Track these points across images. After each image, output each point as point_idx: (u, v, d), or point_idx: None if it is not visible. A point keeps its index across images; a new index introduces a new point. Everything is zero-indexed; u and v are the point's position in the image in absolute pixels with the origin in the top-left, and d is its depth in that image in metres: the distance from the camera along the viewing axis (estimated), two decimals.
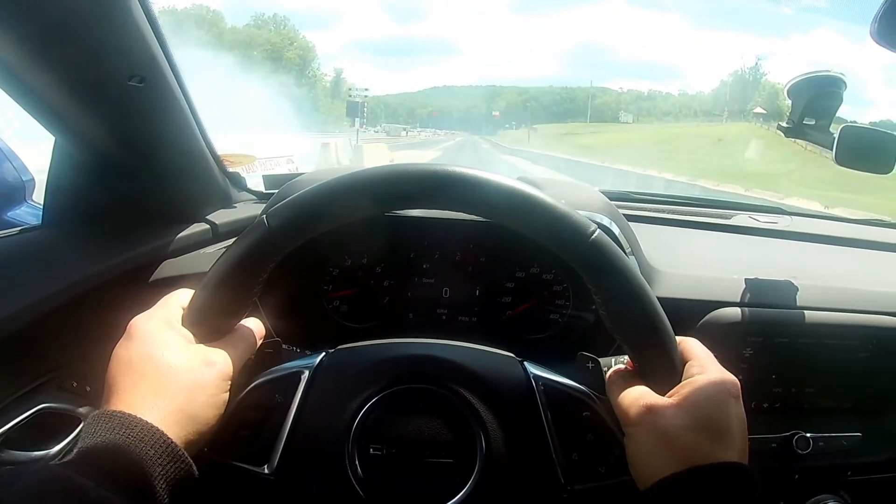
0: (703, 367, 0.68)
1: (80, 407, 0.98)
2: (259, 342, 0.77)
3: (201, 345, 0.70)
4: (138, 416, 0.60)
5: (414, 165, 0.69)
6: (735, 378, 0.68)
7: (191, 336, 0.70)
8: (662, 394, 0.67)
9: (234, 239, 1.03)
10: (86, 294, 0.95)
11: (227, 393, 0.69)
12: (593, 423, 0.75)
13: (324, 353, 0.79)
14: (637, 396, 0.67)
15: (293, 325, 0.98)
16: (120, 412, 0.60)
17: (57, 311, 0.91)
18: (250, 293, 0.71)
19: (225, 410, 0.69)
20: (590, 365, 0.77)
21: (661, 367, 0.68)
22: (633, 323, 0.68)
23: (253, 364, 0.76)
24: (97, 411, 0.62)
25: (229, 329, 0.73)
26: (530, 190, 0.67)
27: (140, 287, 1.03)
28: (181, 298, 0.73)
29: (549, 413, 0.75)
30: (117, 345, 0.68)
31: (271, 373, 0.77)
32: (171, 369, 0.65)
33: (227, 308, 0.71)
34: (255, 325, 0.77)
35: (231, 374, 0.69)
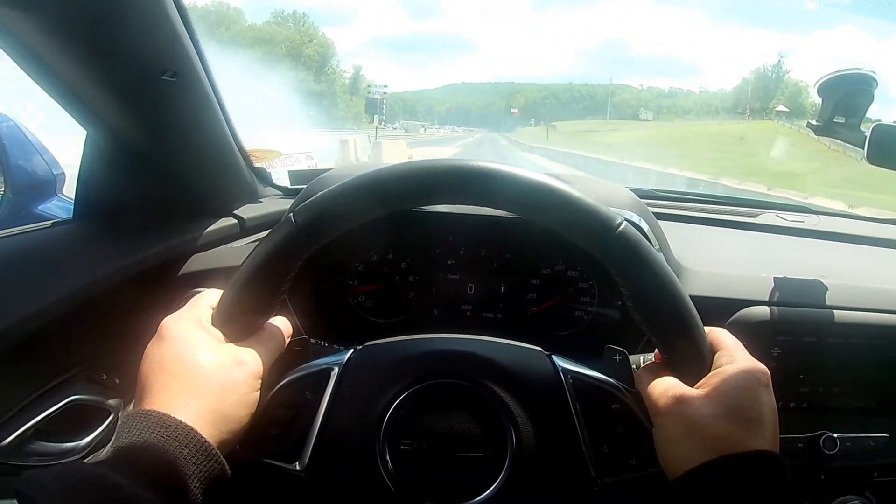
0: (733, 356, 0.68)
1: (110, 399, 0.99)
2: (288, 340, 0.77)
3: (231, 344, 0.70)
4: (172, 415, 0.61)
5: (438, 161, 0.69)
6: (765, 367, 0.67)
7: (221, 336, 0.70)
8: (692, 384, 0.67)
9: (261, 233, 1.04)
10: (116, 287, 0.96)
11: (258, 392, 0.70)
12: (623, 416, 0.75)
13: (352, 350, 0.80)
14: (666, 387, 0.67)
15: (319, 321, 0.99)
16: (153, 411, 0.61)
17: (87, 304, 0.92)
18: (278, 291, 0.72)
19: (256, 409, 0.69)
20: (617, 358, 0.77)
21: (689, 358, 0.68)
22: (662, 314, 0.68)
23: (282, 362, 0.77)
24: (131, 411, 0.63)
25: (258, 327, 0.74)
26: (556, 183, 0.67)
27: (169, 281, 1.05)
28: (210, 298, 0.74)
29: (579, 406, 0.75)
30: (149, 345, 0.69)
31: (301, 370, 0.77)
32: (202, 369, 0.66)
33: (255, 306, 0.72)
34: (283, 324, 0.77)
35: (261, 372, 0.70)
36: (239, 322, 0.71)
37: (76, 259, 0.98)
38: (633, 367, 0.76)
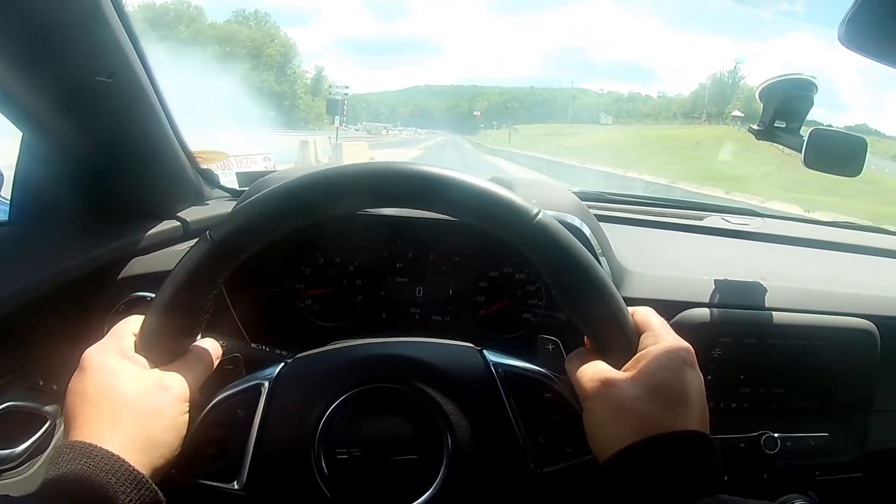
0: (658, 336, 0.68)
1: (47, 406, 0.97)
2: (216, 361, 0.76)
3: (156, 370, 0.69)
4: (98, 444, 0.60)
5: (358, 165, 0.69)
6: (689, 345, 0.68)
7: (145, 362, 0.69)
8: (619, 367, 0.67)
9: None
10: (54, 291, 0.94)
11: (187, 415, 0.68)
12: (556, 404, 0.75)
13: (282, 364, 0.79)
14: (594, 372, 0.67)
15: (265, 326, 0.97)
16: (80, 442, 0.60)
17: (24, 308, 0.90)
18: (201, 312, 0.71)
19: (186, 432, 0.68)
20: (549, 347, 0.78)
21: (615, 341, 0.69)
22: (584, 299, 0.68)
23: (213, 382, 0.75)
24: (60, 444, 0.62)
25: (184, 350, 0.73)
26: (472, 179, 0.67)
27: (109, 284, 1.02)
28: (132, 325, 0.72)
29: (512, 398, 0.75)
30: (72, 378, 0.68)
31: (230, 388, 0.76)
32: (126, 397, 0.65)
33: (178, 330, 0.71)
34: (210, 345, 0.76)
35: (188, 395, 0.69)
36: (162, 347, 0.70)
37: (12, 263, 0.96)
38: (565, 350, 0.76)
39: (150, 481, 0.61)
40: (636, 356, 0.67)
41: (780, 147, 1.13)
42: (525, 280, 1.14)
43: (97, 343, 0.70)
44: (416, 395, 0.75)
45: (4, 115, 0.93)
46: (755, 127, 1.13)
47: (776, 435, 1.03)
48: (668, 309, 1.01)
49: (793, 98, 1.09)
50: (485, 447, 0.75)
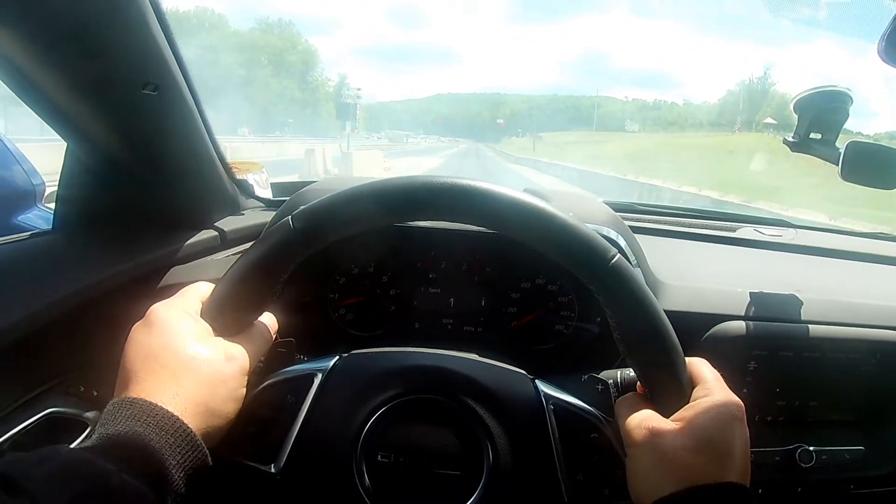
0: (710, 389, 0.69)
1: (88, 412, 0.98)
2: (274, 339, 0.77)
3: (221, 338, 0.70)
4: (159, 404, 0.60)
5: (438, 177, 0.69)
6: (739, 401, 0.68)
7: (210, 328, 0.70)
8: (668, 416, 0.68)
9: (242, 246, 1.03)
10: (94, 299, 0.96)
11: (245, 388, 0.69)
12: (600, 445, 0.76)
13: (337, 357, 0.80)
14: (642, 419, 0.67)
15: (300, 334, 0.99)
16: (141, 399, 0.61)
17: (66, 315, 0.91)
18: (270, 292, 0.72)
19: (242, 406, 0.69)
20: (599, 388, 0.78)
21: (668, 391, 0.69)
22: (646, 349, 0.69)
23: (266, 362, 0.77)
24: (117, 399, 0.62)
25: (247, 325, 0.74)
26: (550, 209, 0.68)
27: (148, 293, 1.04)
28: (200, 290, 0.73)
29: (558, 432, 0.76)
30: (134, 328, 0.68)
31: (285, 373, 0.78)
32: (192, 360, 0.65)
33: (247, 304, 0.72)
34: (270, 322, 0.77)
35: (249, 369, 0.70)
36: (229, 317, 0.71)
37: (55, 270, 0.97)
38: (613, 389, 0.77)
39: (204, 446, 0.62)
40: (686, 407, 0.68)
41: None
42: (557, 291, 1.14)
43: (165, 300, 0.71)
44: (464, 412, 0.77)
45: (50, 125, 0.95)
46: (790, 139, 1.12)
47: (812, 448, 1.02)
48: (702, 321, 1.01)
49: (828, 110, 1.08)
50: (523, 473, 0.76)
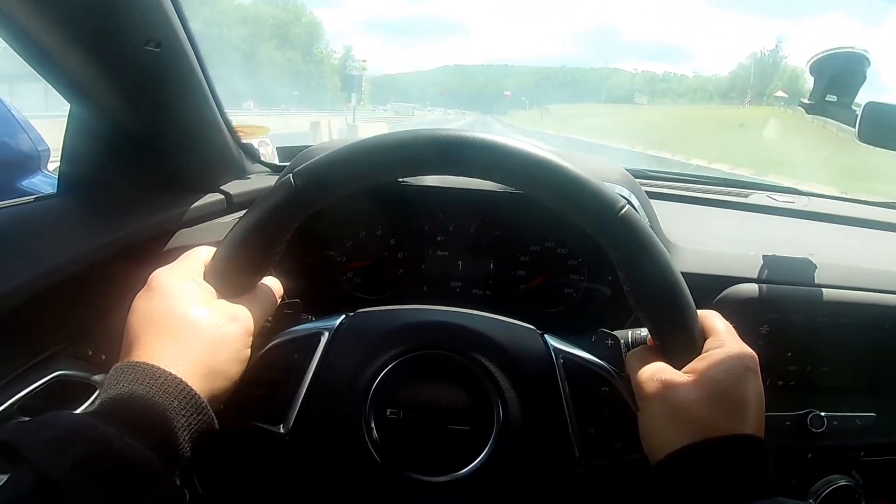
0: (722, 341, 0.68)
1: (95, 375, 0.99)
2: (279, 300, 0.77)
3: (223, 300, 0.70)
4: (162, 367, 0.60)
5: (439, 130, 0.68)
6: (753, 352, 0.67)
7: (213, 291, 0.70)
8: (680, 368, 0.67)
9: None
10: (100, 262, 0.95)
11: (249, 349, 0.69)
12: (611, 399, 0.75)
13: (343, 316, 0.80)
14: (654, 371, 0.67)
15: (307, 296, 0.98)
16: (143, 363, 0.60)
17: (71, 279, 0.91)
18: (273, 252, 0.71)
19: (246, 367, 0.69)
20: (609, 342, 0.77)
21: (680, 343, 0.68)
22: (657, 301, 0.67)
23: (272, 324, 0.77)
24: (120, 363, 0.61)
25: (251, 286, 0.73)
26: (558, 160, 0.66)
27: (155, 256, 1.03)
28: (203, 254, 0.73)
29: (568, 387, 0.76)
30: (137, 296, 0.68)
31: (290, 333, 0.77)
32: (194, 323, 0.65)
33: (249, 265, 0.71)
34: (274, 284, 0.77)
35: (253, 330, 0.70)
36: (232, 279, 0.71)
37: (60, 234, 0.97)
38: (624, 347, 0.75)
39: (209, 408, 0.62)
40: (698, 358, 0.67)
41: (834, 129, 1.10)
42: (567, 255, 1.14)
43: (166, 266, 0.71)
44: (473, 367, 0.76)
45: (53, 86, 0.94)
46: (806, 101, 1.10)
47: (823, 414, 1.01)
48: (715, 284, 1.00)
49: (845, 72, 1.06)
50: (534, 428, 0.75)
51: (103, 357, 0.99)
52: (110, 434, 0.52)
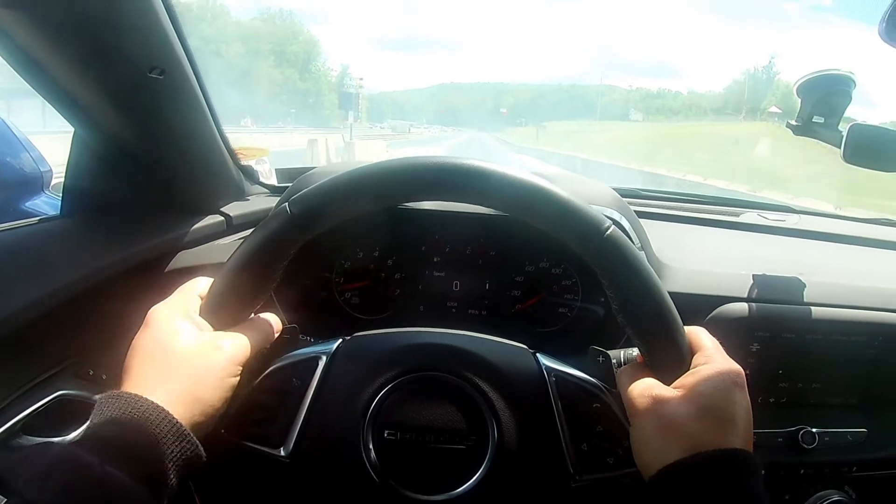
0: (709, 357, 0.69)
1: (97, 395, 0.99)
2: (276, 334, 0.79)
3: (213, 331, 0.71)
4: (144, 396, 0.62)
5: (432, 158, 0.70)
6: (740, 368, 0.69)
7: (206, 324, 0.71)
8: (669, 384, 0.68)
9: (247, 231, 1.04)
10: (102, 283, 0.97)
11: (236, 378, 0.70)
12: (603, 415, 0.77)
13: (340, 340, 0.81)
14: (644, 388, 0.68)
15: (305, 317, 1.00)
16: (126, 393, 0.62)
17: (74, 299, 0.93)
18: (269, 281, 0.73)
19: (234, 394, 0.70)
20: (600, 359, 0.79)
21: (668, 359, 0.70)
22: (644, 318, 0.69)
23: (270, 349, 0.78)
24: (107, 393, 0.64)
25: (245, 318, 0.75)
26: (545, 184, 0.68)
27: (156, 277, 1.05)
28: (199, 287, 0.75)
29: (561, 404, 0.77)
30: (137, 334, 0.70)
31: (289, 357, 0.79)
32: (179, 353, 0.67)
33: (244, 296, 0.73)
34: (272, 318, 0.79)
35: (241, 359, 0.71)
36: (227, 310, 0.72)
37: (63, 255, 0.99)
38: (615, 364, 0.77)
39: (192, 435, 0.63)
40: (686, 374, 0.68)
41: (825, 144, 1.13)
42: (561, 275, 1.15)
43: (164, 301, 0.73)
44: (469, 388, 0.77)
45: (57, 110, 0.97)
46: (793, 122, 1.12)
47: (814, 430, 1.02)
48: (705, 303, 1.02)
49: (831, 94, 1.09)
50: (529, 446, 0.77)
51: (104, 377, 1.00)
52: (92, 463, 0.55)
